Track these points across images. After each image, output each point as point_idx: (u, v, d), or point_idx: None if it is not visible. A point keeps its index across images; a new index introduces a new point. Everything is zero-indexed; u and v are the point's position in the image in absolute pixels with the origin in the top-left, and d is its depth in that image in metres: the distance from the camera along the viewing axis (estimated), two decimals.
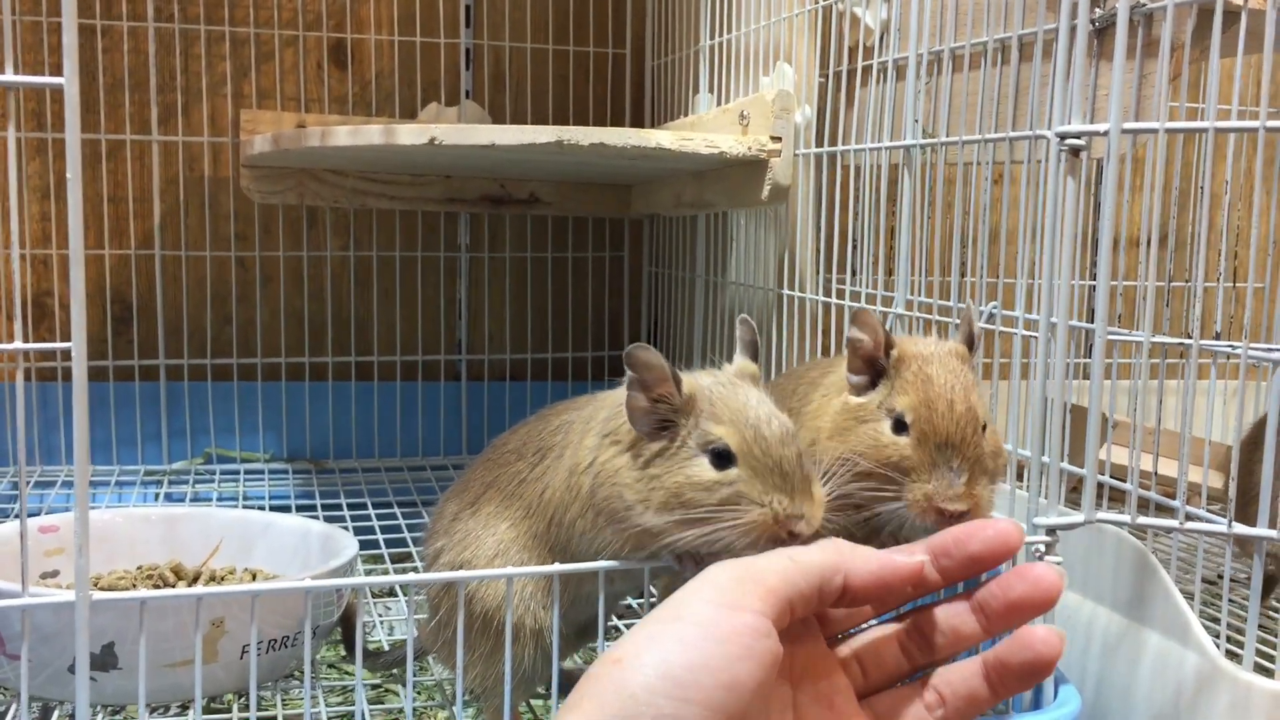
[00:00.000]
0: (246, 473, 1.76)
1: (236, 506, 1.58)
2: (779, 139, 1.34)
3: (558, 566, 0.82)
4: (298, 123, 1.70)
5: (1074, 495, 1.35)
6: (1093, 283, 2.02)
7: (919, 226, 1.17)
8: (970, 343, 0.88)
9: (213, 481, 1.72)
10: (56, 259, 1.73)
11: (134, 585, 1.07)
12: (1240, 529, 0.85)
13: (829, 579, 0.61)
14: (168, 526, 1.15)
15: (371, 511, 1.58)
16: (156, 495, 1.67)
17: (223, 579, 1.11)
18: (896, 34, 1.26)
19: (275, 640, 0.94)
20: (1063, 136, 0.87)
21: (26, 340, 1.52)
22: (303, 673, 1.03)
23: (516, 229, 1.91)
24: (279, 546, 1.14)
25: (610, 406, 0.81)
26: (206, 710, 1.01)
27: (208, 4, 1.75)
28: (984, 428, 0.85)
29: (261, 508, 1.58)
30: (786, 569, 0.60)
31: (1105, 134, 0.86)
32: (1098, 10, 1.19)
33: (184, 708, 1.05)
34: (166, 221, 1.76)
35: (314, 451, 1.83)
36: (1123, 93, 0.86)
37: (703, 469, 0.73)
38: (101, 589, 1.06)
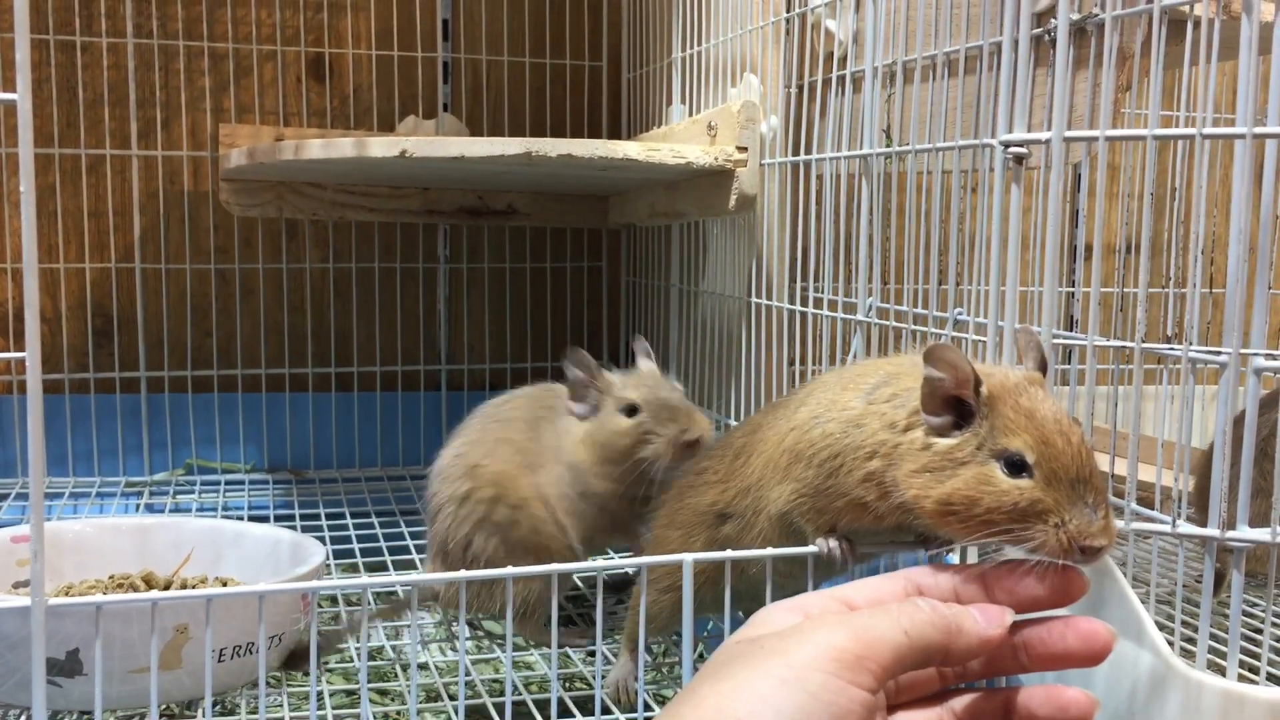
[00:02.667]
0: (227, 483, 1.77)
1: (215, 517, 1.59)
2: (745, 149, 1.36)
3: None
4: (276, 136, 1.72)
5: None
6: (1072, 289, 2.04)
7: (881, 235, 1.19)
8: (1043, 368, 0.81)
9: (193, 492, 1.74)
10: (41, 271, 1.75)
11: (105, 593, 1.08)
12: (1187, 528, 0.87)
13: (930, 656, 0.61)
14: (140, 536, 1.17)
15: (349, 521, 1.59)
16: (137, 506, 1.69)
17: (194, 588, 1.12)
18: (867, 45, 1.28)
19: (241, 647, 0.95)
20: (1006, 145, 0.89)
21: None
22: (275, 679, 1.05)
23: (495, 240, 1.93)
24: (250, 555, 1.16)
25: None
26: (174, 717, 1.03)
27: (187, 20, 1.77)
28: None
29: (241, 518, 1.59)
30: (900, 646, 0.58)
31: (1047, 142, 0.88)
32: (1054, 21, 1.21)
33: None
34: (147, 235, 1.78)
35: (295, 462, 1.84)
36: (1065, 102, 0.87)
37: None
38: (73, 597, 1.07)
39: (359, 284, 1.86)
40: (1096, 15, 1.14)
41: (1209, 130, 0.85)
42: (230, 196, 1.71)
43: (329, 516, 1.62)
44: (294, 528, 1.54)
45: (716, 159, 1.34)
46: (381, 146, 1.37)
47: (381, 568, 1.44)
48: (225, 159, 1.58)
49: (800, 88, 1.39)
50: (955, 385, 0.72)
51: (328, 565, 1.41)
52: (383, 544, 1.50)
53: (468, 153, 1.34)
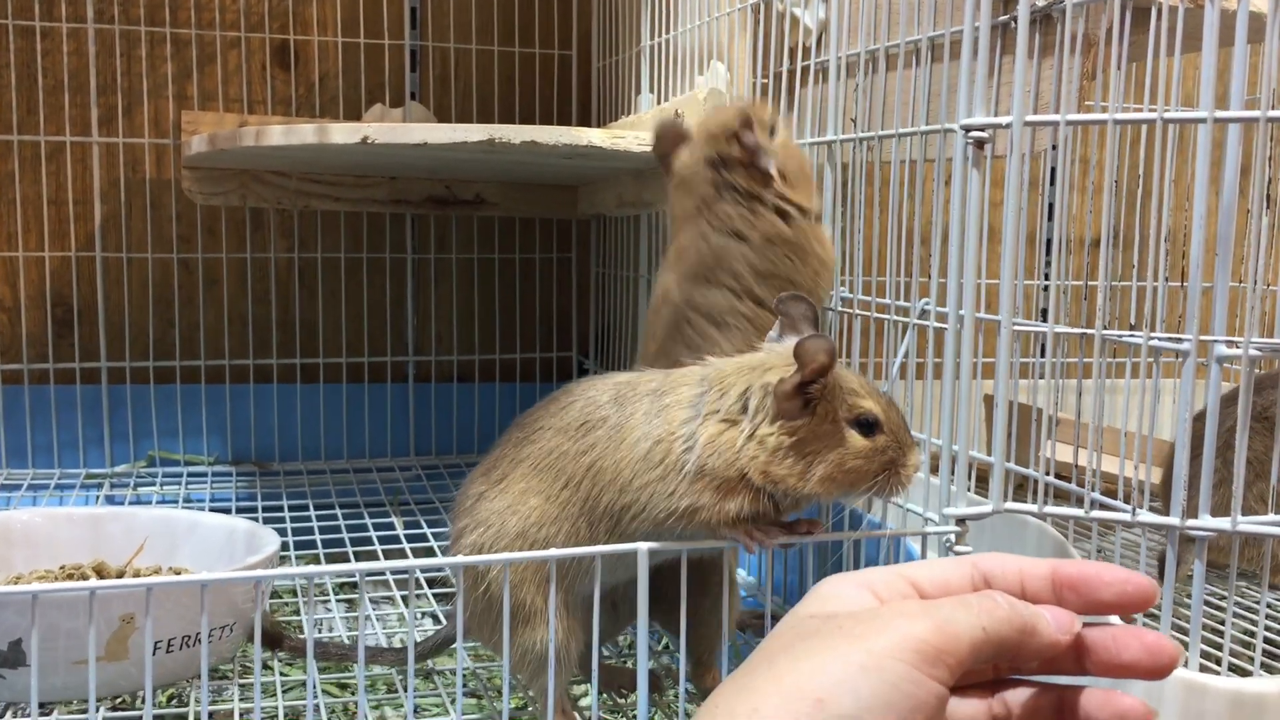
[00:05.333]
0: (190, 475, 1.75)
1: (175, 508, 1.58)
2: None
3: (600, 549, 0.84)
4: (239, 124, 1.70)
5: (1020, 494, 1.36)
6: (1043, 282, 2.03)
7: (847, 224, 1.18)
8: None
9: (155, 484, 1.71)
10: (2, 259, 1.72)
11: (55, 581, 1.06)
12: (1147, 517, 0.86)
13: (1002, 654, 0.61)
14: (92, 526, 1.15)
15: (312, 513, 1.57)
16: (97, 498, 1.66)
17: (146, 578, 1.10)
18: (832, 34, 1.27)
19: (190, 637, 0.94)
20: (967, 129, 0.88)
21: None
22: (229, 670, 1.03)
23: (464, 230, 1.91)
24: (205, 545, 1.14)
25: (696, 385, 0.85)
26: (120, 708, 1.01)
27: (149, 5, 1.74)
28: None
29: (202, 510, 1.57)
30: (978, 642, 0.58)
31: (1008, 126, 0.87)
32: (1038, 2, 1.20)
33: (100, 703, 1.04)
34: (109, 223, 1.75)
35: (259, 454, 1.82)
36: (1026, 87, 0.86)
37: (858, 440, 0.82)
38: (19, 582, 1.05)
39: (325, 274, 1.84)
40: (1061, 1, 1.13)
41: (1171, 114, 0.84)
42: (193, 185, 1.68)
43: (292, 508, 1.60)
44: (255, 519, 1.52)
45: None
46: (343, 133, 1.35)
47: (343, 558, 1.42)
48: (187, 146, 1.55)
49: (770, 76, 1.38)
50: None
51: (286, 556, 1.39)
52: (345, 535, 1.48)
53: (431, 139, 1.32)
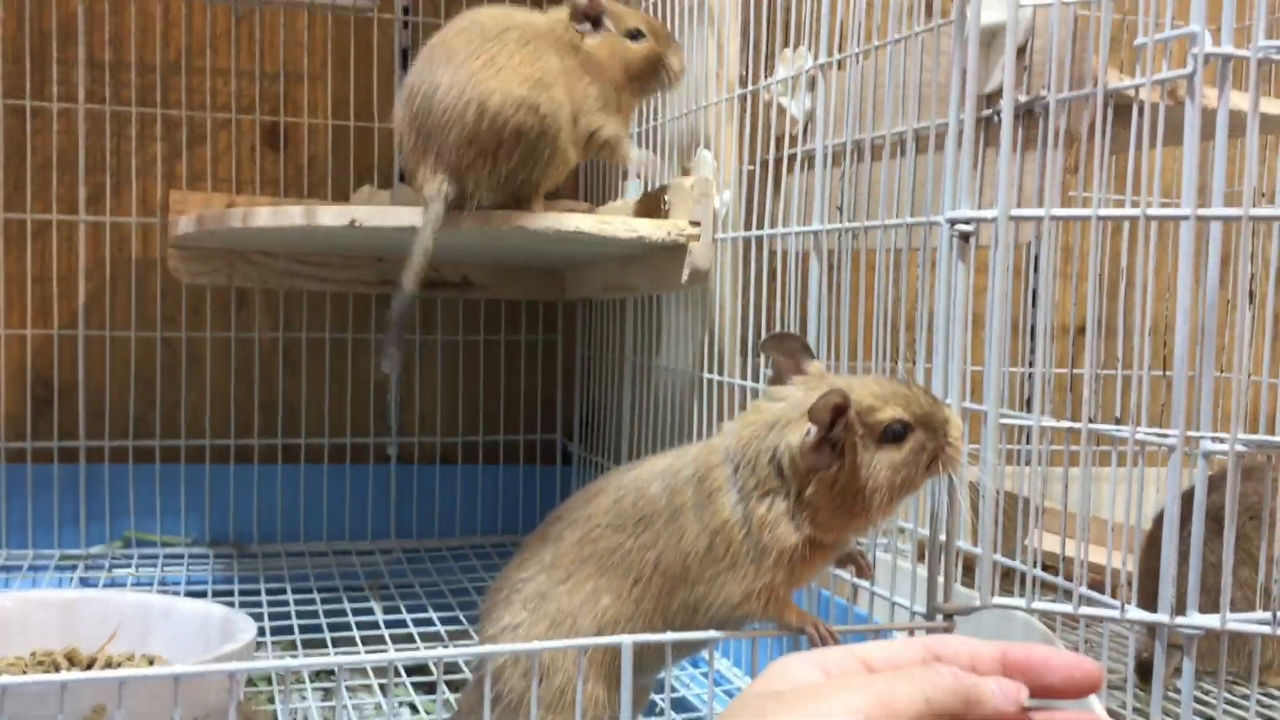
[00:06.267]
0: (166, 557, 1.73)
1: (150, 591, 1.55)
2: (698, 224, 1.35)
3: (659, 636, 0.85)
4: (227, 204, 1.70)
5: (1007, 583, 1.34)
6: (1027, 369, 2.04)
7: (832, 311, 1.19)
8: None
9: (130, 566, 1.69)
10: None
11: (24, 671, 1.04)
12: (1136, 614, 0.85)
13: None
14: (65, 611, 1.12)
15: (290, 597, 1.55)
16: (72, 580, 1.63)
17: (119, 666, 1.08)
18: (818, 124, 1.29)
19: None
20: (953, 222, 0.89)
21: None
22: None
23: (450, 311, 1.91)
24: (180, 631, 1.11)
25: (726, 464, 0.86)
26: None
27: (141, 86, 1.76)
28: None
29: (178, 593, 1.54)
30: (919, 713, 0.58)
31: (993, 220, 0.87)
32: (1021, 98, 1.22)
33: None
34: (93, 302, 1.75)
35: (238, 535, 1.80)
36: (1013, 180, 0.87)
37: (896, 453, 0.83)
38: None
39: (309, 354, 1.84)
40: (1044, 97, 1.15)
41: (1153, 210, 0.85)
42: (179, 264, 1.68)
43: (269, 592, 1.57)
44: (232, 603, 1.50)
45: (670, 234, 1.34)
46: (331, 215, 1.36)
47: (320, 644, 1.39)
48: (174, 225, 1.56)
49: (756, 164, 1.40)
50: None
51: (262, 642, 1.37)
52: (323, 620, 1.46)
53: (419, 223, 1.33)
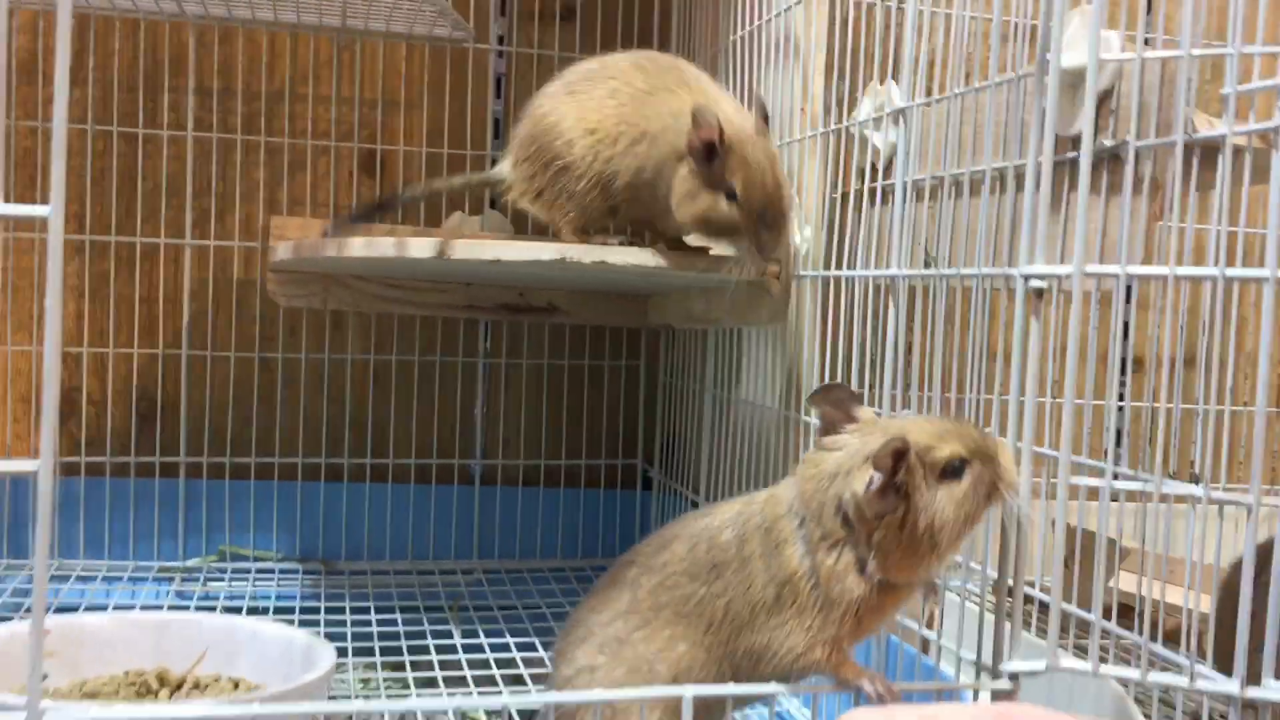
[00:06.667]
0: (258, 572, 1.78)
1: (242, 604, 1.61)
2: (778, 261, 1.36)
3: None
4: (323, 229, 1.75)
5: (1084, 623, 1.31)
6: (1115, 402, 2.00)
7: (906, 352, 1.18)
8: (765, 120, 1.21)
9: (224, 580, 1.75)
10: (87, 356, 1.79)
11: (117, 692, 1.09)
12: (1206, 685, 0.84)
13: None
14: (157, 631, 1.17)
15: (373, 616, 1.59)
16: (168, 593, 1.70)
17: (206, 687, 1.12)
18: (899, 160, 1.28)
19: None
20: (1027, 277, 0.88)
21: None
22: None
23: (536, 335, 1.94)
24: (263, 655, 1.15)
25: (791, 516, 0.88)
26: None
27: (247, 115, 1.82)
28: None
29: (266, 609, 1.60)
30: None
31: (1068, 276, 0.87)
32: (1107, 142, 1.21)
33: None
34: (196, 322, 1.81)
35: (326, 552, 1.85)
36: (1093, 232, 0.87)
37: (957, 489, 0.85)
38: (85, 694, 1.07)
39: (399, 376, 1.88)
40: (1129, 142, 1.13)
41: (1233, 271, 0.83)
42: (277, 287, 1.74)
43: (354, 610, 1.62)
44: (318, 621, 1.55)
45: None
46: (420, 247, 1.39)
47: (399, 666, 1.43)
48: (273, 251, 1.61)
49: (837, 198, 1.40)
50: None
51: (343, 662, 1.41)
52: (403, 642, 1.50)
53: (504, 256, 1.36)
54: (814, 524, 0.87)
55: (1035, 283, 0.88)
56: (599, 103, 1.32)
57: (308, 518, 1.84)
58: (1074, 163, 1.24)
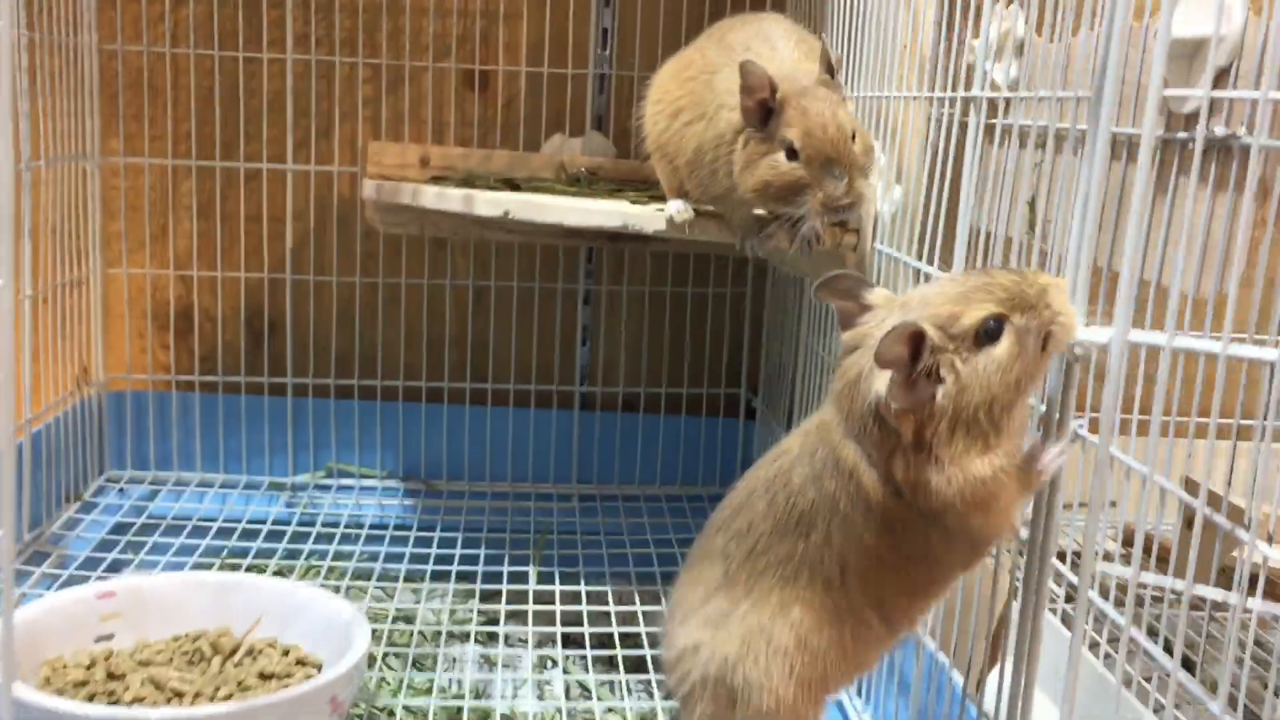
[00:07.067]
0: (361, 489, 1.84)
1: (339, 522, 1.70)
2: (855, 231, 1.27)
3: None
4: (420, 156, 1.73)
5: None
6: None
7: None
8: (831, 70, 1.13)
9: (328, 494, 1.81)
10: (201, 278, 1.83)
11: (170, 660, 1.14)
12: None
13: None
14: (219, 594, 1.22)
15: (460, 536, 1.68)
16: (276, 505, 1.78)
17: (259, 653, 1.17)
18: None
19: None
20: (1073, 345, 0.78)
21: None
22: None
23: (638, 263, 1.89)
24: (314, 625, 1.19)
25: (846, 435, 0.81)
26: None
27: (348, 28, 1.79)
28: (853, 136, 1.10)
29: (361, 525, 1.70)
30: None
31: (1105, 345, 0.76)
32: (1219, 130, 1.06)
33: None
34: (300, 245, 1.83)
35: (428, 472, 1.89)
36: (1130, 300, 0.76)
37: (1002, 352, 0.76)
38: (140, 661, 1.13)
39: (501, 301, 1.87)
40: (1239, 137, 1.00)
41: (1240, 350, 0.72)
42: (375, 215, 1.73)
43: (444, 529, 1.70)
44: (406, 540, 1.65)
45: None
46: (486, 205, 1.36)
47: (470, 595, 1.50)
48: (362, 188, 1.60)
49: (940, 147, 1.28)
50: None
51: (419, 587, 1.50)
52: (479, 567, 1.57)
53: (565, 221, 1.32)
54: (868, 441, 0.79)
55: (1078, 348, 0.78)
56: (673, 73, 1.26)
57: (410, 438, 1.88)
58: (1183, 145, 1.10)
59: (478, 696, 1.27)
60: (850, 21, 1.40)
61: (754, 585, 0.85)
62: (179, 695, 1.07)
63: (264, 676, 1.12)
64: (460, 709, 1.23)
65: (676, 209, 1.27)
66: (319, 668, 1.15)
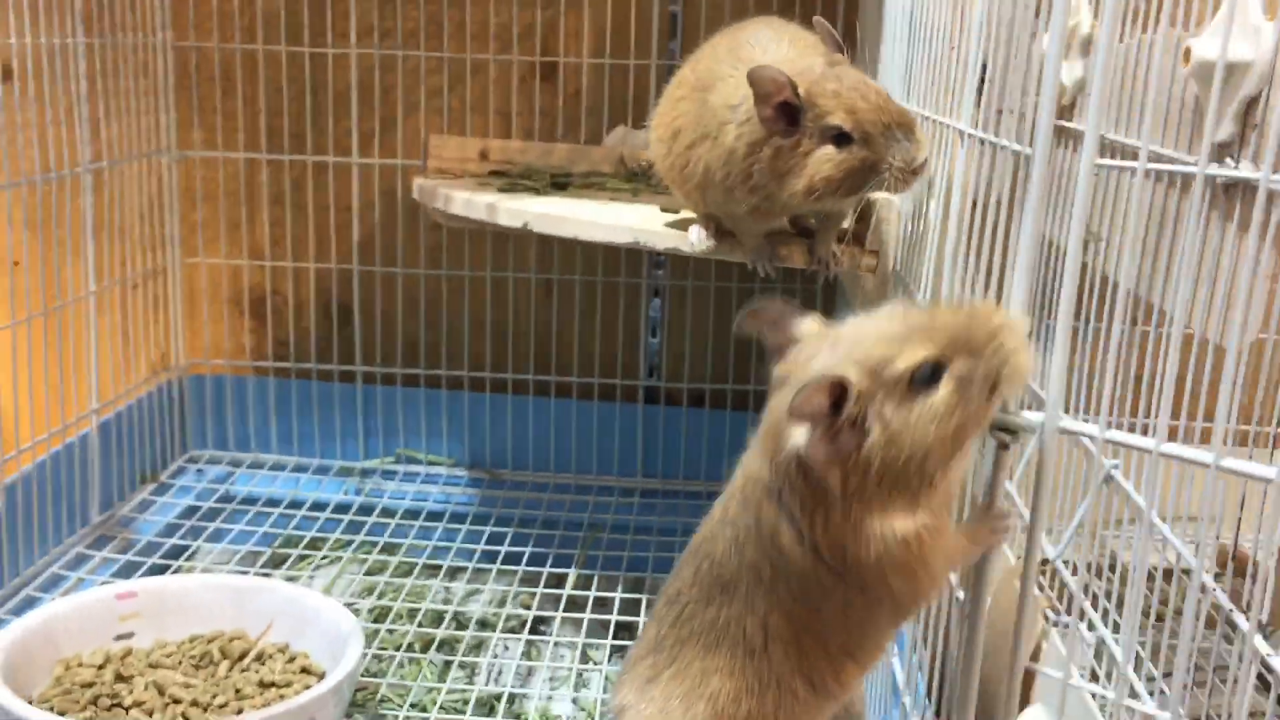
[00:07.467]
0: (425, 476, 1.88)
1: (399, 508, 1.76)
2: (875, 253, 1.21)
3: None
4: (480, 149, 1.73)
5: None
6: None
7: None
8: (840, 49, 1.08)
9: (394, 480, 1.86)
10: (275, 268, 1.88)
11: (179, 664, 1.19)
12: None
13: None
14: (236, 596, 1.26)
15: (511, 530, 1.68)
16: (345, 488, 1.83)
17: (268, 659, 1.21)
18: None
19: None
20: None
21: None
22: None
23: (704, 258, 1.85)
24: (322, 632, 1.22)
25: (768, 489, 0.76)
26: None
27: (413, 18, 1.79)
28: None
29: (421, 512, 1.75)
30: None
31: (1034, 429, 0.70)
32: (1231, 164, 0.97)
33: None
34: (366, 238, 1.86)
35: (493, 461, 1.91)
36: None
37: (935, 401, 0.71)
38: (151, 663, 1.18)
39: (565, 294, 1.87)
40: (1263, 178, 0.90)
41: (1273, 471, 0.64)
42: (433, 210, 1.75)
43: (499, 521, 1.73)
44: (459, 531, 1.70)
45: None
46: (507, 215, 1.36)
47: (509, 578, 1.56)
48: (414, 189, 1.60)
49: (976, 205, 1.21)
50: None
51: (462, 568, 1.59)
52: (521, 566, 1.59)
53: (580, 235, 1.30)
54: (788, 491, 0.74)
55: (1000, 434, 0.72)
56: (666, 93, 1.22)
57: (475, 427, 1.90)
58: (1226, 189, 1.01)
59: (507, 686, 1.30)
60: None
61: (678, 653, 0.83)
62: (176, 702, 1.12)
63: (263, 685, 1.16)
64: (492, 702, 1.27)
65: (697, 237, 1.23)
66: (322, 677, 1.18)
